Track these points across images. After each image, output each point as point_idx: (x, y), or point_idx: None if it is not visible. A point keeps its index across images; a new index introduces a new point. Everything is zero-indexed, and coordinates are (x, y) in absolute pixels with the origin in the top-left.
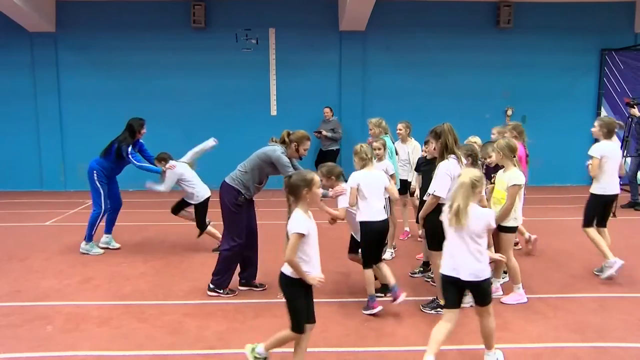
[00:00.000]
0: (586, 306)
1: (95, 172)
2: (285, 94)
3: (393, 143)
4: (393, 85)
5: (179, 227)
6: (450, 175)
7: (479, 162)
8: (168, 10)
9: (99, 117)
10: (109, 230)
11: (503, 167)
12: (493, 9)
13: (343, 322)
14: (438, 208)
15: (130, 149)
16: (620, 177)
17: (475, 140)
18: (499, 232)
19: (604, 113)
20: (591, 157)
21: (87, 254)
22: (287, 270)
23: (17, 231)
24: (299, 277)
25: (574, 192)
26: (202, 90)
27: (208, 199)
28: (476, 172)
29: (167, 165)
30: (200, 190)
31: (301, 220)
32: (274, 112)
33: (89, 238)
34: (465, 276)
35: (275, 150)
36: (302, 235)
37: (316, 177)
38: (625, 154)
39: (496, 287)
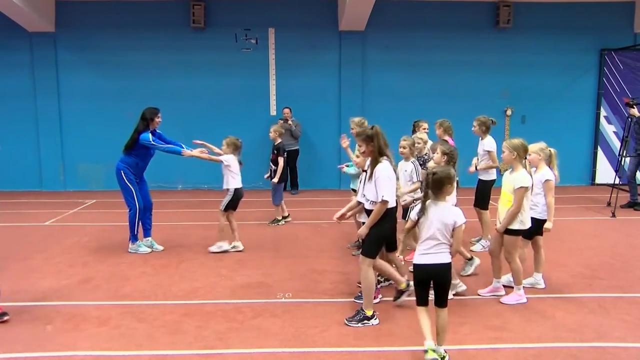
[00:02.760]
0: (586, 306)
1: (122, 171)
2: (285, 93)
3: None
4: (392, 85)
5: (178, 227)
6: (391, 177)
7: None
8: (167, 10)
9: (99, 117)
10: (147, 234)
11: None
12: (492, 9)
13: (343, 322)
14: (385, 214)
15: (150, 135)
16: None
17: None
18: (504, 234)
19: (603, 113)
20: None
21: (136, 252)
22: (449, 258)
23: (16, 231)
24: None
25: (573, 192)
26: (201, 90)
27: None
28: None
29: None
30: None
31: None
32: (273, 112)
33: (134, 238)
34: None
35: None
36: None
37: None
38: (624, 154)
39: (496, 287)
